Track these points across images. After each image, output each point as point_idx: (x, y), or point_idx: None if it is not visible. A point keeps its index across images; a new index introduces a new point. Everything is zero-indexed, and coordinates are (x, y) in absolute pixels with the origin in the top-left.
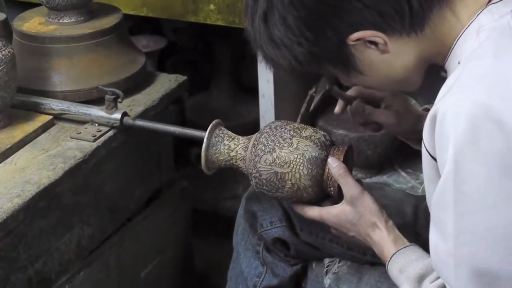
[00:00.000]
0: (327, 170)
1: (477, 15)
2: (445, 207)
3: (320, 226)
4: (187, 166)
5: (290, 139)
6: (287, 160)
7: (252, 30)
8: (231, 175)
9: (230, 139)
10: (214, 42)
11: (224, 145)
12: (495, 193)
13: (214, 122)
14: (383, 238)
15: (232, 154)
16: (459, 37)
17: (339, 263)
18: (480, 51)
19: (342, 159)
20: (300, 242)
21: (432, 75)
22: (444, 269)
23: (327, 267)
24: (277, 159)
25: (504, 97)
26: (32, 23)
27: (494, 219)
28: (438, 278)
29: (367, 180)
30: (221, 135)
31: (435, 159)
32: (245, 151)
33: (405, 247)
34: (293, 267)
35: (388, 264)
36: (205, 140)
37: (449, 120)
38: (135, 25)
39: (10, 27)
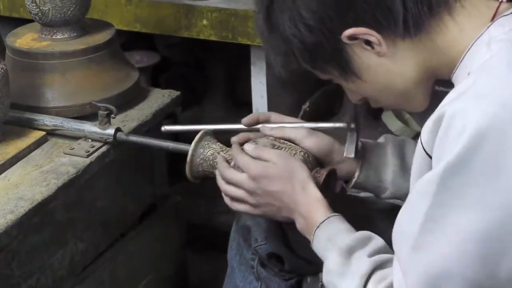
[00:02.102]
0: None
1: (488, 27)
2: (425, 194)
3: None
4: (181, 181)
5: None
6: None
7: (257, 26)
8: None
9: (219, 148)
10: (207, 57)
11: (209, 153)
12: (477, 200)
13: (202, 131)
14: (317, 199)
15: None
16: (469, 49)
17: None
18: (493, 63)
19: (323, 179)
20: (295, 257)
21: None
22: (402, 248)
23: (321, 281)
24: None
25: None
26: (25, 39)
27: (467, 221)
28: (377, 254)
29: (362, 194)
30: (209, 143)
31: (430, 157)
32: (230, 163)
33: (335, 215)
34: (287, 282)
35: (316, 229)
36: (192, 146)
37: (456, 125)
38: (128, 41)
39: (3, 43)
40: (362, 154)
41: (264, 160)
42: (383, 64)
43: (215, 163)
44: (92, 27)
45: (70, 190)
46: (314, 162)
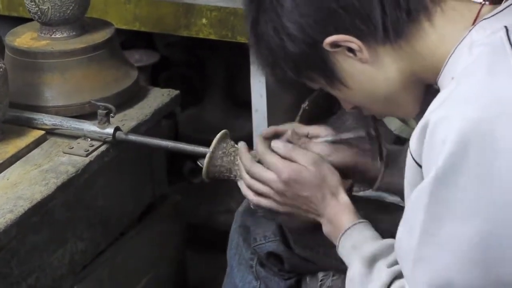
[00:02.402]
0: None
1: (469, 30)
2: (419, 207)
3: (314, 240)
4: (180, 180)
5: None
6: None
7: (248, 40)
8: (224, 189)
9: (235, 154)
10: (207, 56)
11: (228, 160)
12: (469, 207)
13: (223, 131)
14: (346, 205)
15: (234, 170)
16: (452, 53)
17: (333, 276)
18: (474, 68)
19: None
20: (294, 256)
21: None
22: (404, 263)
23: (321, 281)
24: None
25: (495, 114)
26: (24, 38)
27: (462, 229)
28: (397, 263)
29: (361, 194)
30: (228, 146)
31: (420, 166)
32: None
33: (360, 222)
34: (287, 282)
35: (342, 236)
36: (211, 147)
37: (439, 133)
38: (127, 40)
39: (2, 42)
40: (386, 159)
41: (295, 162)
42: (366, 70)
43: (233, 166)
44: (91, 26)
45: (70, 189)
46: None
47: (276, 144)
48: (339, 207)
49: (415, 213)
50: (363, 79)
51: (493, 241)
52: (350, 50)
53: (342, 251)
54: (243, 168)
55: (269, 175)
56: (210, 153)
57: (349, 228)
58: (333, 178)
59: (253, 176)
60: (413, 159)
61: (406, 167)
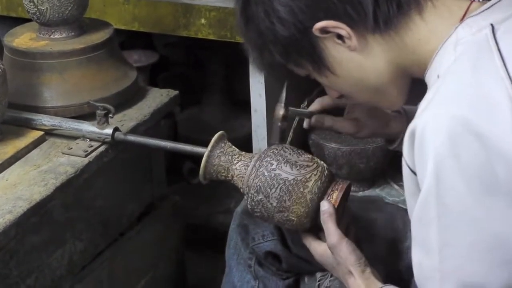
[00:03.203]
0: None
1: (456, 28)
2: (428, 222)
3: None
4: (179, 180)
5: (293, 170)
6: (287, 191)
7: (237, 20)
8: (223, 190)
9: (233, 154)
10: (206, 56)
11: (225, 158)
12: (477, 206)
13: (219, 133)
14: (358, 286)
15: (232, 169)
16: (438, 51)
17: (331, 277)
18: (458, 66)
19: (340, 198)
20: (292, 256)
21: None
22: (430, 286)
23: (319, 281)
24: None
25: (482, 111)
26: (23, 38)
27: (478, 231)
28: None
29: (360, 194)
30: (225, 147)
31: (415, 173)
32: (245, 171)
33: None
34: (285, 281)
35: None
36: (208, 149)
37: (428, 135)
38: (126, 40)
39: (1, 42)
40: (407, 120)
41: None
42: (354, 58)
43: (230, 166)
44: (90, 26)
45: (69, 190)
46: (330, 175)
47: (322, 206)
48: (359, 283)
49: (426, 231)
50: (351, 67)
51: (510, 238)
52: (339, 37)
53: None
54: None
55: (306, 244)
56: (207, 155)
57: None
58: (349, 259)
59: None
60: (408, 166)
61: (403, 175)
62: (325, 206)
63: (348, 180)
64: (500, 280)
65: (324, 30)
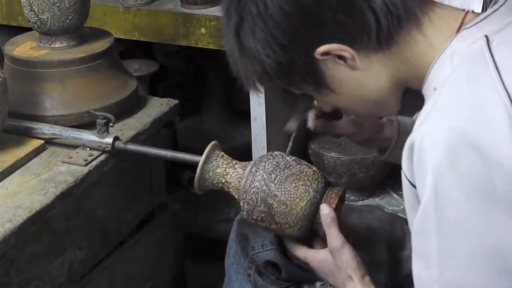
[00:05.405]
0: (319, 212)
1: (451, 40)
2: (427, 234)
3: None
4: (179, 189)
5: (287, 177)
6: (282, 198)
7: (227, 45)
8: (223, 199)
9: (226, 164)
10: (206, 65)
11: (220, 169)
12: (476, 217)
13: (212, 144)
14: (363, 285)
15: (226, 178)
16: (435, 63)
17: (330, 286)
18: (454, 78)
19: (336, 203)
20: (292, 265)
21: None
22: None
23: None
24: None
25: (479, 123)
26: (24, 47)
27: (477, 243)
28: None
29: (359, 203)
30: (218, 158)
31: (414, 186)
32: (239, 180)
33: None
34: None
35: None
36: (201, 161)
37: (426, 147)
38: (126, 49)
39: (1, 51)
40: (398, 130)
41: (323, 248)
42: (356, 77)
43: (224, 178)
44: (90, 35)
45: (69, 199)
46: (326, 181)
47: (323, 210)
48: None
49: (426, 242)
50: (352, 85)
51: (509, 248)
52: (340, 57)
53: None
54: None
55: (301, 256)
56: (201, 167)
57: None
58: (351, 264)
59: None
60: (407, 179)
61: (403, 187)
62: (326, 210)
63: (344, 185)
64: None
65: (326, 53)
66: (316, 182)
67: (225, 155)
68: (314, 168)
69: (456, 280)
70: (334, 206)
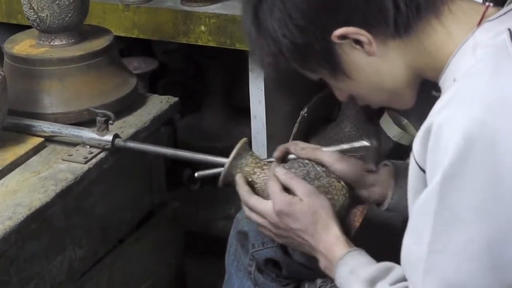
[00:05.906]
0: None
1: (473, 32)
2: (426, 214)
3: None
4: (179, 187)
5: (316, 188)
6: None
7: (244, 26)
8: (223, 196)
9: (255, 163)
10: (205, 63)
11: (248, 168)
12: (479, 211)
13: (242, 140)
14: (337, 237)
15: (253, 178)
16: (455, 54)
17: (331, 283)
18: (478, 69)
19: (361, 221)
20: (292, 262)
21: (424, 93)
22: (413, 274)
23: (319, 287)
24: None
25: (500, 115)
26: (23, 45)
27: (472, 234)
28: (398, 281)
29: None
30: (248, 156)
31: (423, 171)
32: (266, 182)
33: (355, 249)
34: None
35: (338, 264)
36: (231, 156)
37: (444, 134)
38: (126, 47)
39: (1, 49)
40: (394, 176)
41: (291, 194)
42: (372, 63)
43: (251, 177)
44: (90, 33)
45: (68, 197)
46: (352, 196)
47: (278, 170)
48: (331, 240)
49: (423, 220)
50: (368, 71)
51: (503, 244)
52: (357, 42)
53: (340, 280)
54: (242, 200)
55: (263, 207)
56: (229, 163)
57: (343, 256)
58: (326, 211)
59: (250, 209)
60: (417, 163)
61: (409, 171)
62: (282, 171)
63: (366, 205)
64: (483, 285)
65: (343, 37)
66: (344, 198)
67: (254, 154)
68: (343, 183)
69: (443, 264)
70: (358, 224)
